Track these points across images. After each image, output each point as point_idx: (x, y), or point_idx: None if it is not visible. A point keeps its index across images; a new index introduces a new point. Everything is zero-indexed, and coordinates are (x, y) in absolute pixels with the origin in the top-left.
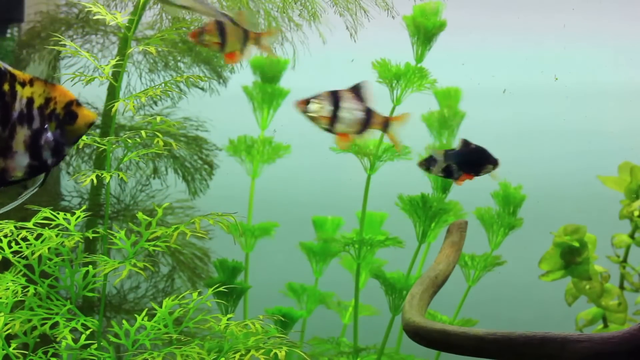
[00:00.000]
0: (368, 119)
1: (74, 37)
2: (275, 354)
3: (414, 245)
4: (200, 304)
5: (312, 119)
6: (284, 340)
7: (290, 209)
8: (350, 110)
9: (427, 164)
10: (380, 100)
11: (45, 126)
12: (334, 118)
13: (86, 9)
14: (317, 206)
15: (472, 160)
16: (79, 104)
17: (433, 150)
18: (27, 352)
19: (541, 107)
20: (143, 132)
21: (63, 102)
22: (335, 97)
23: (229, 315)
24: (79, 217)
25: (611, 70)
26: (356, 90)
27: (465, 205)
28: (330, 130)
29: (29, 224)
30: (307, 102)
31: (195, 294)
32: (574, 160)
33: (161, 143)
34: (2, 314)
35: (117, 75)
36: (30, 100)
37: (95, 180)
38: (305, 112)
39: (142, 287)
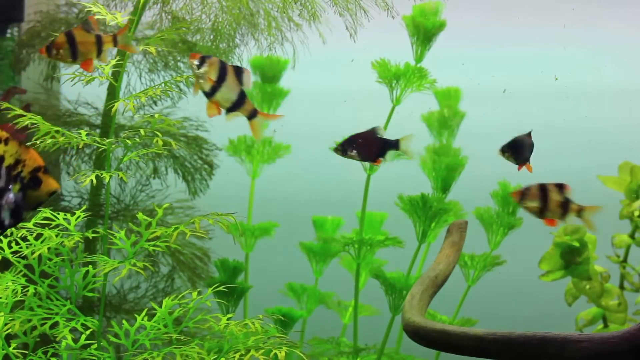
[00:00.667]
0: (239, 103)
1: None
2: (275, 354)
3: (414, 245)
4: (201, 303)
5: (200, 76)
6: (284, 341)
7: (290, 209)
8: (230, 88)
9: (343, 149)
10: (380, 100)
11: (9, 187)
12: (215, 86)
13: (86, 9)
14: (317, 206)
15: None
16: (46, 171)
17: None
18: (27, 352)
19: (541, 107)
20: (142, 131)
21: (31, 166)
22: (223, 69)
23: (228, 315)
24: (78, 217)
25: (611, 70)
26: (238, 73)
27: (465, 205)
28: (207, 94)
29: (29, 224)
30: (202, 59)
31: (194, 294)
32: (574, 160)
33: (160, 142)
34: (2, 314)
35: (117, 75)
36: (0, 158)
37: (94, 181)
38: (198, 66)
39: (142, 287)
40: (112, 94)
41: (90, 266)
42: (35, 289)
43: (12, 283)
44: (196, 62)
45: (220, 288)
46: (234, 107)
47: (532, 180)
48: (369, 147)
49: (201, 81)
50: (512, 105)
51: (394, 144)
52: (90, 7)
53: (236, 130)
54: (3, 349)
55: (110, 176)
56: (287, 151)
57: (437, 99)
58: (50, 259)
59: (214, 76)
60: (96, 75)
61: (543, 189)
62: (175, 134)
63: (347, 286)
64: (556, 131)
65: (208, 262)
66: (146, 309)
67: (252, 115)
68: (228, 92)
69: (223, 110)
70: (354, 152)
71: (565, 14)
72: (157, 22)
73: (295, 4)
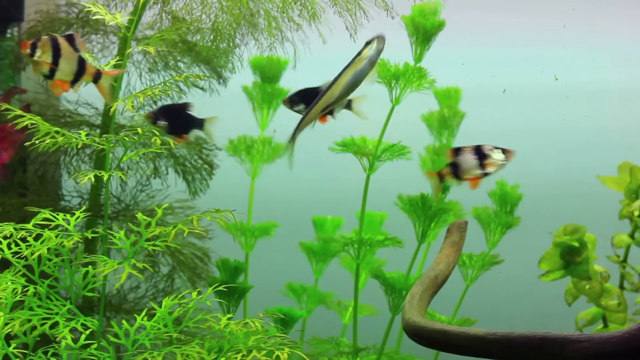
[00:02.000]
0: (81, 71)
1: None
2: (277, 355)
3: (414, 245)
4: (201, 303)
5: (35, 63)
6: (285, 341)
7: (290, 209)
8: (68, 60)
9: (154, 117)
10: (379, 100)
11: None
12: (54, 65)
13: (86, 9)
14: (317, 206)
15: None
16: None
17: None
18: (27, 352)
19: (541, 107)
20: (139, 129)
21: None
22: (56, 46)
23: (228, 315)
24: (78, 217)
25: (611, 70)
26: (70, 40)
27: (465, 205)
28: (48, 77)
29: (29, 225)
30: (33, 45)
31: (194, 294)
32: (574, 160)
33: (159, 142)
34: (2, 314)
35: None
36: None
37: (93, 180)
38: (31, 54)
39: (142, 287)
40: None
41: (90, 266)
42: (35, 289)
43: (12, 283)
44: (28, 51)
45: (221, 288)
46: (77, 77)
47: (533, 180)
48: (178, 121)
49: (39, 68)
50: (512, 105)
51: (199, 123)
52: (90, 7)
53: (236, 130)
54: (3, 349)
55: (110, 176)
56: None
57: (437, 99)
58: (50, 260)
59: (48, 58)
60: None
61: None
62: None
63: (347, 286)
64: (556, 131)
65: (208, 262)
66: (146, 309)
67: (96, 77)
68: (67, 66)
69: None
70: (163, 123)
71: (565, 14)
72: (157, 22)
73: (296, 4)
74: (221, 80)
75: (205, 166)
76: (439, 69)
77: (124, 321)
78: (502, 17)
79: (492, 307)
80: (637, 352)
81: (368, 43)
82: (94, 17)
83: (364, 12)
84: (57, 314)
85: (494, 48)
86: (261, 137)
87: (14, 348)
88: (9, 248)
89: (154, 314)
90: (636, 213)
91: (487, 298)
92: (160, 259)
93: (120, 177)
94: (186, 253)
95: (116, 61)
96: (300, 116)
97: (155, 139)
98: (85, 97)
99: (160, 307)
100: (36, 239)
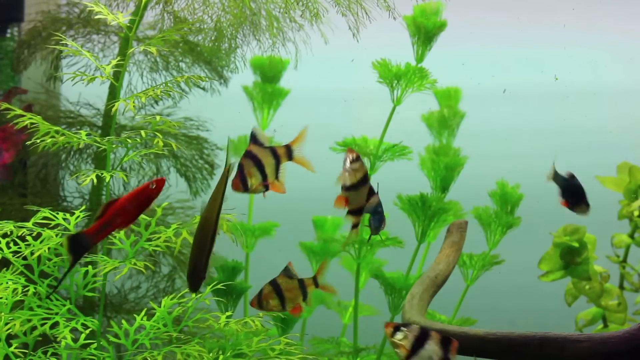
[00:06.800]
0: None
1: (76, 36)
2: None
3: (414, 245)
4: (200, 302)
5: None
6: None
7: (290, 209)
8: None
9: None
10: (380, 100)
11: None
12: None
13: (88, 9)
14: (317, 206)
15: None
16: None
17: None
18: (27, 351)
19: (541, 107)
20: (143, 132)
21: None
22: None
23: (227, 313)
24: (78, 217)
25: (611, 70)
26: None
27: (465, 204)
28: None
29: (29, 224)
30: None
31: (193, 293)
32: (574, 160)
33: (161, 144)
34: (2, 314)
35: (118, 75)
36: None
37: (95, 180)
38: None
39: (143, 287)
40: (113, 93)
41: (89, 266)
42: (35, 288)
43: (12, 283)
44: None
45: (219, 287)
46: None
47: (533, 180)
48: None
49: None
50: (512, 105)
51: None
52: (92, 7)
53: (236, 130)
54: (3, 349)
55: (111, 176)
56: None
57: (437, 99)
58: (49, 259)
59: None
60: (97, 75)
61: None
62: (177, 134)
63: (347, 286)
64: (556, 131)
65: None
66: (145, 309)
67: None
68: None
69: None
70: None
71: (565, 14)
72: (159, 22)
73: (297, 4)
74: (222, 80)
75: (206, 166)
76: (439, 69)
77: (123, 321)
78: (502, 17)
79: (493, 307)
80: (637, 352)
81: None
82: (96, 17)
83: (366, 13)
84: (57, 313)
85: (494, 48)
86: None
87: (14, 347)
88: (8, 247)
89: (154, 314)
90: (636, 213)
91: (488, 298)
92: (160, 259)
93: (122, 177)
94: (187, 253)
95: (117, 61)
96: None
97: (158, 141)
98: (86, 97)
99: (161, 307)
100: (36, 238)
